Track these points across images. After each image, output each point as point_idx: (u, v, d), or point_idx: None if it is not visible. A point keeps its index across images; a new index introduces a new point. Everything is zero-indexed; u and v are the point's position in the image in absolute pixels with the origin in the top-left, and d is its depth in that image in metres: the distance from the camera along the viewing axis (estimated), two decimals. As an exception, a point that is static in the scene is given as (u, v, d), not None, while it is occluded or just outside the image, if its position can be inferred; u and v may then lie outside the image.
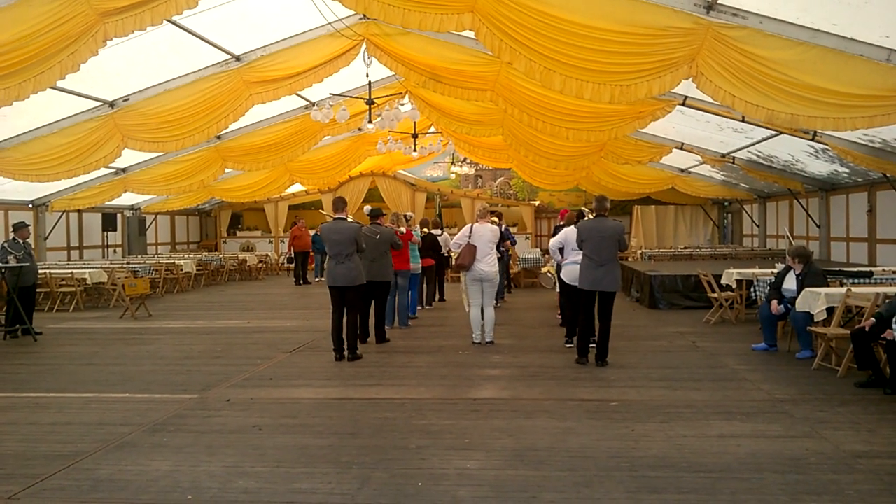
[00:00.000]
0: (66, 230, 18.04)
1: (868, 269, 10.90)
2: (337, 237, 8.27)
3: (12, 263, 10.40)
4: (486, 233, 9.13)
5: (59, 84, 9.27)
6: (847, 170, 13.53)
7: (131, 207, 19.98)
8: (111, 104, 11.74)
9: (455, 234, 9.83)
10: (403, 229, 10.50)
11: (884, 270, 10.48)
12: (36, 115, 11.26)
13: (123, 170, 15.81)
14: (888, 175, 11.41)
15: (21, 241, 10.83)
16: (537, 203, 25.00)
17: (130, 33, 8.25)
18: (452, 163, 25.02)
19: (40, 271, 13.52)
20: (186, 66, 11.21)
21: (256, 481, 4.52)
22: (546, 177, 18.73)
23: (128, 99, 11.73)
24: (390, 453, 5.02)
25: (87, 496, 4.33)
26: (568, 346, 8.93)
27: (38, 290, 11.98)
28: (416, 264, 11.34)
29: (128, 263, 16.13)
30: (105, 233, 19.05)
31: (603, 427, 5.60)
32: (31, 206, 16.18)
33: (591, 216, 8.51)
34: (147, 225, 20.84)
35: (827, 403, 6.21)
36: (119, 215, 19.56)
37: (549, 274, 12.91)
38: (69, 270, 14.23)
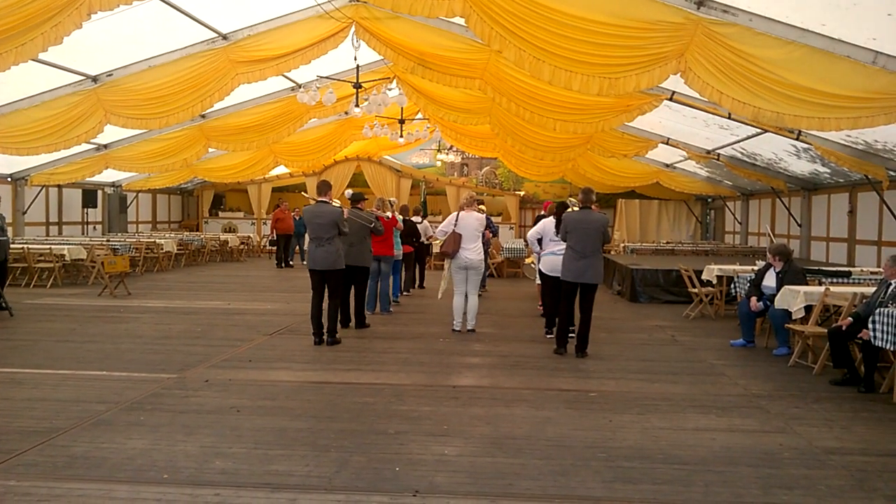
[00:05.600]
0: (45, 205, 17.79)
1: (847, 269, 11.04)
2: (319, 220, 8.22)
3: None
4: (471, 221, 9.14)
5: (42, 56, 9.08)
6: (828, 170, 13.67)
7: (112, 184, 19.75)
8: (94, 79, 11.56)
9: (439, 222, 9.83)
10: (389, 214, 10.45)
11: (862, 271, 10.62)
12: (17, 87, 11.06)
13: (105, 146, 15.60)
14: (869, 176, 11.53)
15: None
16: (522, 193, 25.01)
17: (116, 7, 8.13)
18: (439, 150, 25.02)
19: (18, 246, 13.38)
20: (172, 42, 11.06)
21: (233, 462, 4.50)
22: (532, 167, 18.77)
23: (111, 74, 11.56)
24: (368, 438, 5.02)
25: (61, 472, 4.29)
26: (548, 336, 8.96)
27: (15, 265, 11.82)
28: (399, 250, 11.33)
29: (108, 241, 15.95)
30: (85, 209, 18.83)
31: (581, 417, 5.63)
32: (9, 179, 15.93)
33: (575, 208, 8.53)
34: (128, 203, 20.61)
35: (802, 400, 6.29)
36: (100, 192, 19.33)
37: (532, 265, 12.97)
38: (48, 246, 14.04)
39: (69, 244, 14.42)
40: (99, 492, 4.03)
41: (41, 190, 16.93)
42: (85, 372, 6.84)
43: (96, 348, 7.95)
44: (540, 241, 9.09)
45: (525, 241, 18.27)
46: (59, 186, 17.82)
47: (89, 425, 5.19)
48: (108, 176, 18.15)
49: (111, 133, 13.78)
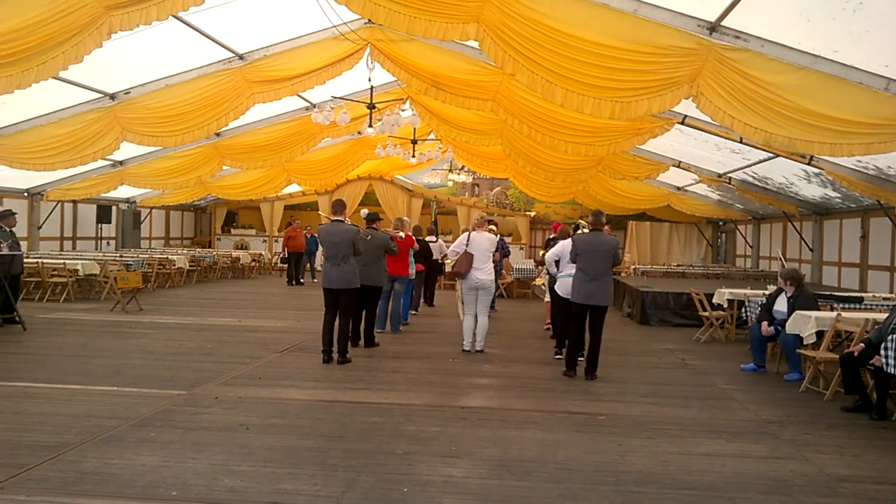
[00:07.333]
0: (60, 220, 17.99)
1: (859, 294, 10.96)
2: (334, 239, 8.28)
3: (5, 251, 10.35)
4: (483, 241, 9.17)
5: (61, 74, 9.24)
6: (839, 195, 13.63)
7: (127, 200, 19.94)
8: (112, 96, 11.73)
9: (450, 242, 9.85)
10: (402, 234, 10.48)
11: (874, 296, 10.53)
12: (36, 103, 11.22)
13: (121, 162, 15.79)
14: (882, 202, 11.49)
15: (7, 230, 10.77)
16: (533, 214, 25.03)
17: (135, 27, 8.26)
18: (450, 170, 25.09)
19: (32, 260, 13.51)
20: (189, 62, 11.22)
21: (242, 480, 4.51)
22: (543, 188, 18.80)
23: (129, 92, 11.72)
24: (377, 458, 5.02)
25: (71, 488, 4.32)
26: (557, 357, 8.94)
27: (29, 279, 11.92)
28: (413, 270, 11.35)
29: (121, 256, 16.07)
30: (99, 225, 19.01)
31: (590, 440, 5.61)
32: (26, 194, 16.12)
33: (585, 230, 8.54)
34: (142, 219, 20.79)
35: (813, 426, 6.24)
36: (114, 208, 19.50)
37: (542, 286, 12.95)
38: (61, 261, 14.17)
39: (83, 259, 14.55)
40: (108, 507, 4.05)
41: (56, 205, 17.11)
42: (96, 387, 6.88)
43: (107, 363, 8.00)
44: (557, 262, 9.07)
45: (535, 261, 18.29)
46: (74, 202, 18.02)
47: (99, 441, 5.21)
48: (123, 192, 18.34)
49: (127, 150, 13.94)
